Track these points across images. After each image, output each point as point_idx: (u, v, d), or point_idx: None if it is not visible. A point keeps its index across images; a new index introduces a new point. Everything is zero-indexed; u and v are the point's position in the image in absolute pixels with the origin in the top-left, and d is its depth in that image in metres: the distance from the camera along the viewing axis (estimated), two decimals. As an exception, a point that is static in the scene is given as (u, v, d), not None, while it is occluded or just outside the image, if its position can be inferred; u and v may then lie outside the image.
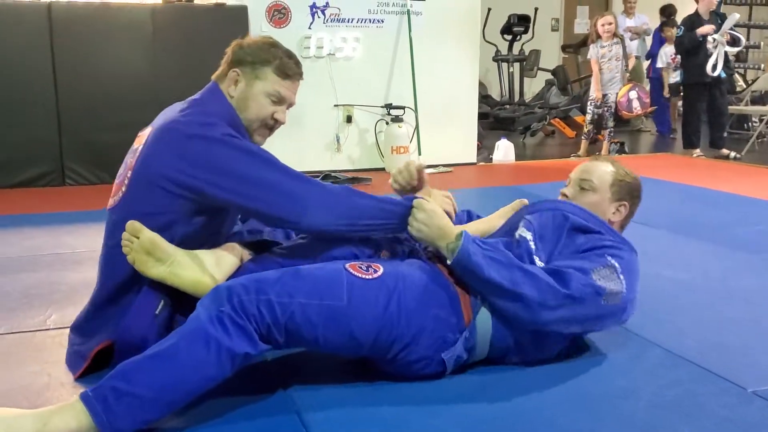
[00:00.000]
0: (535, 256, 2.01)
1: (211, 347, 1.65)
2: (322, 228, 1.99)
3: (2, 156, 5.28)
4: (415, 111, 6.28)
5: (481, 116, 7.70)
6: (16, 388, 1.96)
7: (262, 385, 1.94)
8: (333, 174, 5.71)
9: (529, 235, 2.06)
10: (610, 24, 7.04)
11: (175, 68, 5.52)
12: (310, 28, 6.05)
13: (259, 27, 5.82)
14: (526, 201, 2.33)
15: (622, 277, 1.97)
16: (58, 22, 5.29)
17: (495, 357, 2.03)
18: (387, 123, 6.24)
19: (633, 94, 6.98)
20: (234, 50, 2.17)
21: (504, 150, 6.88)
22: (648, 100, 7.11)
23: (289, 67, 2.15)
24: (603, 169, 2.22)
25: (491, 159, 6.95)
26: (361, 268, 1.88)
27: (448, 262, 1.93)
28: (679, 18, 8.32)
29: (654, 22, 9.37)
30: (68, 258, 3.29)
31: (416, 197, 2.07)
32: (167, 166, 1.95)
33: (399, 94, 6.34)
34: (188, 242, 2.01)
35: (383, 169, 6.23)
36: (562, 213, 2.12)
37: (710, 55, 6.77)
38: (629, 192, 2.22)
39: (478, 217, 2.40)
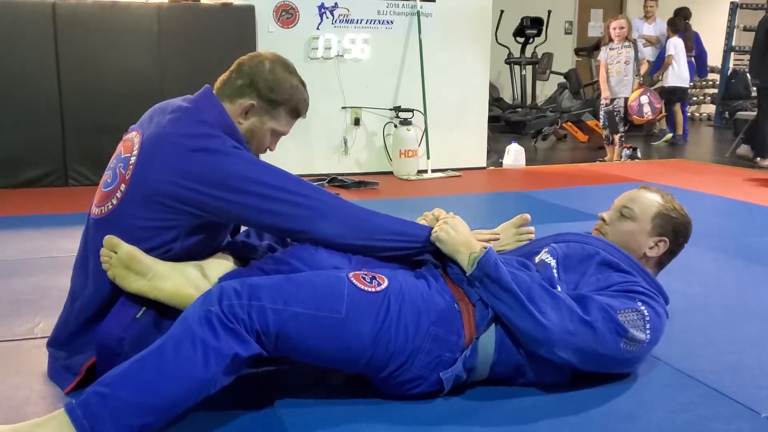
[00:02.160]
0: (557, 285, 1.90)
1: (197, 348, 1.56)
2: (337, 240, 1.92)
3: (5, 155, 5.23)
4: (424, 114, 6.19)
5: (493, 119, 7.60)
6: (-5, 402, 1.87)
7: (246, 402, 1.85)
8: (339, 177, 5.62)
9: (552, 262, 1.97)
10: (622, 28, 7.00)
11: (180, 68, 5.46)
12: (318, 28, 5.97)
13: (266, 27, 5.75)
14: (528, 216, 2.24)
15: (648, 326, 1.86)
16: (62, 21, 5.23)
17: (495, 379, 1.92)
18: (395, 126, 6.16)
19: (644, 99, 6.86)
20: (255, 73, 2.00)
21: (514, 154, 6.78)
22: (659, 106, 7.00)
23: (302, 108, 2.08)
24: (649, 200, 2.09)
25: (501, 163, 6.85)
26: (364, 279, 1.79)
27: (468, 272, 1.84)
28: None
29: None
30: (63, 262, 3.18)
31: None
32: (169, 182, 1.85)
33: (408, 96, 6.25)
34: (183, 256, 1.93)
35: (391, 173, 6.15)
36: (591, 246, 2.02)
37: None
38: (673, 228, 2.08)
39: None
